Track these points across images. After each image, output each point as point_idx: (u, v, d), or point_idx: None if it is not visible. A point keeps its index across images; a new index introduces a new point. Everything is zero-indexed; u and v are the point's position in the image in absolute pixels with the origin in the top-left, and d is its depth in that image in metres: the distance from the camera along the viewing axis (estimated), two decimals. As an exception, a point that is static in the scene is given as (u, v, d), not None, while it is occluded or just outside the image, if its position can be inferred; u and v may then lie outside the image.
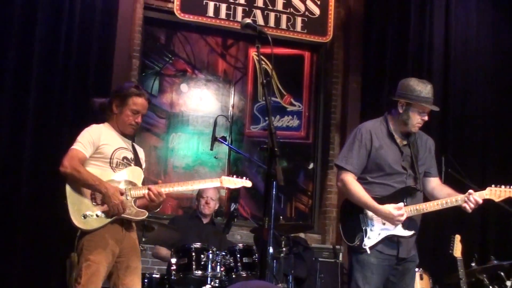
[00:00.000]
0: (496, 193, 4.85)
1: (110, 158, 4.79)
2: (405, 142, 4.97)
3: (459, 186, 5.46)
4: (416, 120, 4.86)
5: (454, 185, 5.34)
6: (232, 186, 5.19)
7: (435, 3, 8.89)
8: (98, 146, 4.77)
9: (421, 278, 6.79)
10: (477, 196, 4.76)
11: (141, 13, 8.22)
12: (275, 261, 6.42)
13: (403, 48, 8.80)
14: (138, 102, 4.92)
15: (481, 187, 5.47)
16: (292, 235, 7.04)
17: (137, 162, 4.96)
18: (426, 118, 4.90)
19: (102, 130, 4.88)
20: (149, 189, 4.76)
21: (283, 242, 6.55)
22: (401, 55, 8.77)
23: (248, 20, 4.40)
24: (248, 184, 5.25)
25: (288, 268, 6.80)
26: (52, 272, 6.74)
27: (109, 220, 4.65)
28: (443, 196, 4.91)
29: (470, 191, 4.81)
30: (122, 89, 5.03)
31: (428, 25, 8.84)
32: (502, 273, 6.93)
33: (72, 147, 4.74)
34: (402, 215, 4.72)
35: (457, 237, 6.61)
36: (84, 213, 4.61)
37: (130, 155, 4.93)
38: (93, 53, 7.40)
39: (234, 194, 8.32)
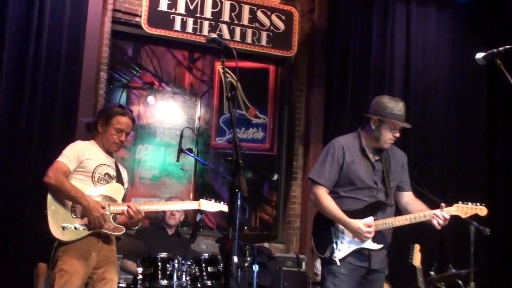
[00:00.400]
0: (463, 209, 4.93)
1: (92, 173, 4.87)
2: (377, 157, 4.99)
3: (421, 199, 5.45)
4: (388, 136, 4.89)
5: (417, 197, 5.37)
6: (210, 210, 5.22)
7: (396, 19, 9.07)
8: (82, 160, 4.84)
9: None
10: (444, 213, 4.80)
11: (109, 27, 8.20)
12: (239, 270, 6.44)
13: (365, 62, 8.95)
14: (122, 121, 5.03)
15: (441, 199, 5.58)
16: (256, 244, 7.05)
17: (119, 180, 5.01)
18: (397, 134, 4.92)
19: (87, 146, 4.97)
20: (128, 206, 4.81)
21: (247, 252, 6.53)
22: (363, 69, 8.90)
23: (213, 35, 4.45)
24: (225, 208, 5.26)
25: (252, 277, 6.86)
26: (21, 280, 6.73)
27: (87, 233, 4.70)
28: (416, 211, 4.95)
29: (442, 206, 4.88)
30: (107, 109, 5.17)
31: (390, 40, 8.99)
32: (459, 281, 7.00)
33: (58, 159, 4.81)
34: (370, 232, 4.75)
35: (417, 247, 6.70)
36: (63, 224, 4.65)
37: (112, 172, 5.00)
38: (62, 66, 7.38)
39: (199, 204, 8.37)
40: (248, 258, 6.56)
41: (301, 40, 9.09)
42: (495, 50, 4.38)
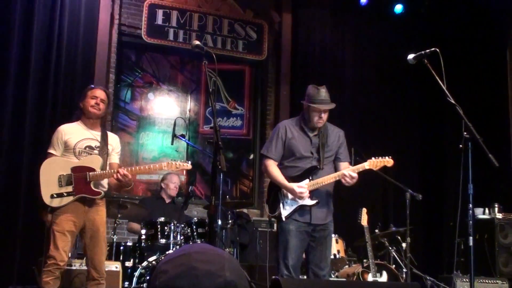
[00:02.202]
0: (374, 163, 4.81)
1: (74, 148, 4.75)
2: (315, 133, 4.89)
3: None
4: (315, 118, 4.81)
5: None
6: (175, 169, 5.02)
7: (346, 31, 9.11)
8: (65, 141, 4.76)
9: (337, 242, 6.86)
10: (351, 172, 4.71)
11: (116, 38, 8.21)
12: (223, 230, 6.46)
13: (322, 64, 9.00)
14: (95, 90, 4.94)
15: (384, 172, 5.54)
16: (237, 210, 7.09)
17: (102, 149, 4.84)
18: (323, 115, 4.82)
19: (68, 128, 4.87)
20: (117, 171, 4.71)
21: (229, 216, 6.56)
22: (320, 69, 8.97)
23: (197, 42, 4.42)
24: (188, 167, 5.04)
25: (234, 236, 6.89)
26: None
27: (72, 199, 4.62)
28: None
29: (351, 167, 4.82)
30: (81, 92, 5.08)
31: (341, 46, 9.07)
32: (398, 237, 7.01)
33: (48, 151, 4.80)
34: (302, 192, 4.68)
35: (364, 210, 6.66)
36: (52, 193, 4.59)
37: (94, 144, 4.85)
38: (78, 69, 7.39)
39: (191, 179, 8.36)
40: (230, 221, 6.57)
41: (270, 46, 9.07)
42: (423, 52, 4.38)
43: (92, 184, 4.71)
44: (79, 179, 4.66)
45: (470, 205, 4.31)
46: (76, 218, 4.65)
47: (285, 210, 4.75)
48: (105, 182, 4.86)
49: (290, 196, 4.78)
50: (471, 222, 4.30)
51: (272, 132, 5.19)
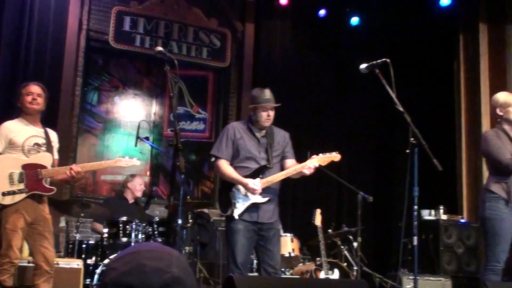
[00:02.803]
0: (322, 159, 4.83)
1: (22, 146, 4.65)
2: (263, 135, 4.89)
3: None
4: (263, 117, 4.80)
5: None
6: (125, 165, 4.98)
7: (306, 41, 9.20)
8: (10, 138, 4.63)
9: (292, 241, 6.85)
10: (298, 167, 4.77)
11: (84, 43, 8.13)
12: (184, 229, 6.43)
13: (281, 71, 9.05)
14: (29, 87, 4.81)
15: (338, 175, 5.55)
16: (197, 210, 7.07)
17: (48, 146, 4.77)
18: (270, 113, 4.83)
19: (12, 125, 4.73)
20: (71, 168, 4.66)
21: (190, 216, 6.54)
22: (280, 76, 9.00)
23: (159, 48, 4.39)
24: (137, 163, 5.05)
25: (194, 235, 6.85)
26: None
27: (24, 196, 4.55)
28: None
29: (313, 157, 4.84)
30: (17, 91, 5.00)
31: (301, 53, 9.14)
32: (350, 237, 7.07)
33: None
34: (255, 189, 4.66)
35: (318, 211, 6.68)
36: (3, 191, 4.50)
37: (41, 141, 4.75)
38: (46, 73, 7.31)
39: (154, 180, 8.32)
40: (191, 221, 6.56)
41: (233, 54, 9.10)
42: (374, 62, 4.44)
43: (44, 181, 4.64)
44: (31, 176, 4.57)
45: (415, 207, 4.35)
46: (26, 215, 4.57)
47: (237, 209, 4.71)
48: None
49: (241, 195, 4.74)
50: (415, 223, 4.32)
51: (220, 133, 5.15)
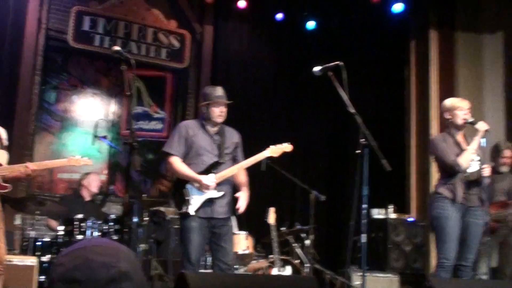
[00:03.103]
0: (274, 150, 4.92)
1: None
2: (216, 131, 4.92)
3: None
4: (216, 113, 4.82)
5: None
6: (76, 164, 4.99)
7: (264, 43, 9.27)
8: None
9: (246, 239, 6.90)
10: (251, 159, 4.85)
11: (43, 41, 7.99)
12: (140, 228, 6.36)
13: (238, 71, 9.08)
14: None
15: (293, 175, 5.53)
16: (154, 208, 7.04)
17: (2, 145, 4.63)
18: (223, 109, 4.87)
19: None
20: (26, 166, 4.57)
21: (145, 213, 6.48)
22: (238, 77, 9.07)
23: (116, 48, 4.39)
24: (89, 162, 5.09)
25: (150, 232, 6.81)
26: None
27: None
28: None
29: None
30: None
31: (258, 55, 9.20)
32: (303, 235, 7.09)
33: None
34: (208, 184, 4.68)
35: (272, 209, 6.70)
36: None
37: None
38: (4, 71, 7.20)
39: (112, 178, 8.23)
40: (146, 219, 6.51)
41: (192, 55, 9.09)
42: (327, 65, 4.50)
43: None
44: None
45: (364, 206, 4.40)
46: None
47: (191, 205, 4.70)
48: None
49: (197, 191, 4.73)
50: (364, 221, 4.39)
51: (173, 131, 5.14)
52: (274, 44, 9.49)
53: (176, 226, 7.40)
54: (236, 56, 9.24)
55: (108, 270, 1.81)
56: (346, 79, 4.38)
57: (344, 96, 4.41)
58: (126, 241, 5.09)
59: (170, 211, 8.10)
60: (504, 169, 6.26)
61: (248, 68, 9.24)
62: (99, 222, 5.87)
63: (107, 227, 5.89)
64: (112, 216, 6.05)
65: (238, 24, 9.28)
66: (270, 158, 5.02)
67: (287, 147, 5.00)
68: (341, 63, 4.41)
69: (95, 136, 6.31)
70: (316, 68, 4.49)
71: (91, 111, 8.45)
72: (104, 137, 6.52)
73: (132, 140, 3.90)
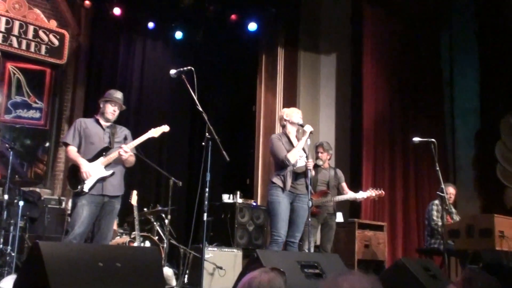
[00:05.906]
0: (154, 131, 5.22)
1: None
2: (107, 125, 5.23)
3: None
4: (109, 110, 5.18)
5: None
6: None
7: (136, 48, 9.40)
8: None
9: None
10: (128, 145, 5.07)
11: None
12: (10, 206, 6.28)
13: (114, 72, 9.19)
14: None
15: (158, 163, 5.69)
16: (30, 188, 6.99)
17: None
18: (116, 110, 5.20)
19: None
20: None
21: (17, 192, 6.45)
22: (112, 76, 9.15)
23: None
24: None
25: (24, 211, 6.73)
26: None
27: None
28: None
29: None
30: None
31: (131, 58, 9.34)
32: (163, 215, 7.26)
33: None
34: (85, 171, 4.90)
35: (134, 192, 6.77)
36: None
37: None
38: None
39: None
40: (17, 197, 6.47)
41: (70, 53, 9.01)
42: (181, 69, 4.68)
43: None
44: None
45: (207, 189, 4.62)
46: None
47: (86, 184, 4.93)
48: None
49: (90, 172, 4.96)
50: (206, 202, 4.60)
51: (71, 125, 5.41)
52: (146, 50, 9.58)
53: (50, 206, 7.45)
54: (111, 58, 9.23)
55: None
56: (196, 83, 4.53)
57: (194, 96, 4.57)
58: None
59: (46, 192, 8.07)
60: (321, 163, 6.84)
61: (121, 69, 9.28)
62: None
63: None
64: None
65: (114, 29, 9.27)
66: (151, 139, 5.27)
67: (165, 127, 5.33)
68: (192, 68, 4.56)
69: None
70: (172, 71, 4.59)
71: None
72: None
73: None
